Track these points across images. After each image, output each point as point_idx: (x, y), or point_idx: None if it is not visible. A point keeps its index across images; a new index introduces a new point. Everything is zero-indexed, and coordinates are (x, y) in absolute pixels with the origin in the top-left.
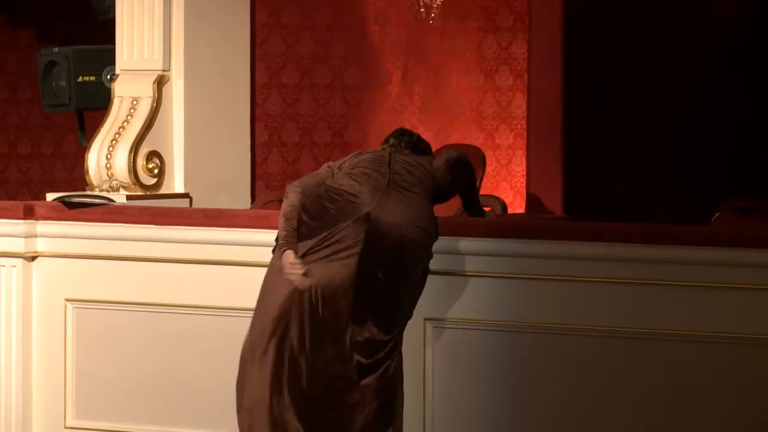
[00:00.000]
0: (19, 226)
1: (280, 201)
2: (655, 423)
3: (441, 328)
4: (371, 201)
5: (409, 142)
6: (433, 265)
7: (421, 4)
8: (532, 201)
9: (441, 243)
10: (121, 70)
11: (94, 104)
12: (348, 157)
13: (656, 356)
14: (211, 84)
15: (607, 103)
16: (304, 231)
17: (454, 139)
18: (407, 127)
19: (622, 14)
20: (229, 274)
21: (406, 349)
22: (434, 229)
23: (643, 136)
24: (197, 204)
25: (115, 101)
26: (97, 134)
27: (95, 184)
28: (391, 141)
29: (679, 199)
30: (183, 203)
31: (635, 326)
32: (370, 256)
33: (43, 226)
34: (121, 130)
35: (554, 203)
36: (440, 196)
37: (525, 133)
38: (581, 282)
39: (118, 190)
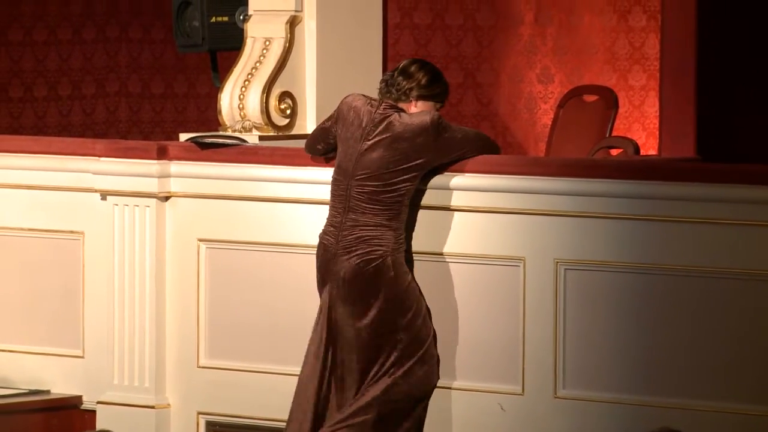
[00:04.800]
0: (152, 166)
1: None
2: None
3: (572, 270)
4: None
5: (390, 89)
6: (563, 206)
7: None
8: (664, 142)
9: (569, 184)
10: (254, 10)
11: (227, 45)
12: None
13: None
14: (343, 25)
15: (743, 45)
16: None
17: (586, 80)
18: (539, 68)
19: None
20: None
21: (537, 290)
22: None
23: None
24: None
25: (248, 42)
26: (230, 75)
27: (228, 125)
28: (380, 103)
29: None
30: None
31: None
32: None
33: (176, 167)
34: (253, 70)
35: (687, 145)
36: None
37: (658, 74)
38: (714, 224)
39: (250, 130)
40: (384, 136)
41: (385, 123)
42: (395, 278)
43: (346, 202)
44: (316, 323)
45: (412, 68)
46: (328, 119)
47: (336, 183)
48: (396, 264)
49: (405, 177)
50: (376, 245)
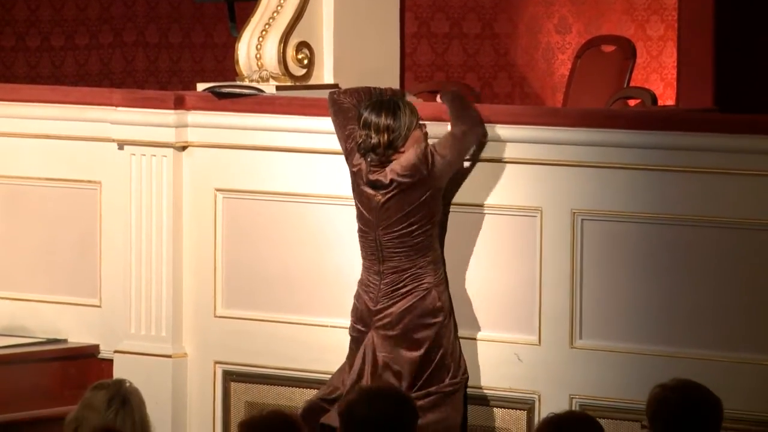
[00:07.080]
0: (169, 116)
1: (431, 92)
2: None
3: (589, 220)
4: None
5: (387, 152)
6: (580, 156)
7: None
8: (682, 93)
9: (586, 135)
10: None
11: None
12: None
13: None
14: None
15: None
16: None
17: (604, 30)
18: (556, 18)
19: None
20: None
21: (555, 241)
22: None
23: None
24: None
25: None
26: (247, 25)
27: (245, 75)
28: (369, 156)
29: None
30: None
31: None
32: None
33: (193, 116)
34: (271, 20)
35: (705, 95)
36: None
37: (676, 24)
38: (731, 174)
39: (267, 80)
40: (393, 189)
41: (389, 178)
42: (441, 308)
43: (379, 253)
44: (353, 356)
45: (382, 121)
46: (353, 125)
47: (363, 234)
48: (441, 297)
49: (425, 210)
50: (418, 282)
